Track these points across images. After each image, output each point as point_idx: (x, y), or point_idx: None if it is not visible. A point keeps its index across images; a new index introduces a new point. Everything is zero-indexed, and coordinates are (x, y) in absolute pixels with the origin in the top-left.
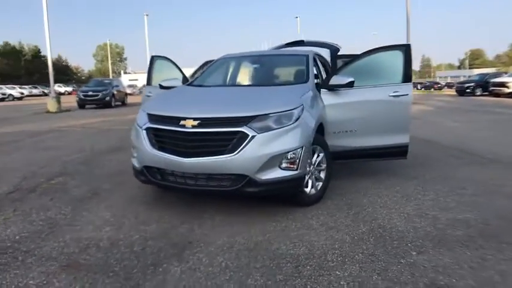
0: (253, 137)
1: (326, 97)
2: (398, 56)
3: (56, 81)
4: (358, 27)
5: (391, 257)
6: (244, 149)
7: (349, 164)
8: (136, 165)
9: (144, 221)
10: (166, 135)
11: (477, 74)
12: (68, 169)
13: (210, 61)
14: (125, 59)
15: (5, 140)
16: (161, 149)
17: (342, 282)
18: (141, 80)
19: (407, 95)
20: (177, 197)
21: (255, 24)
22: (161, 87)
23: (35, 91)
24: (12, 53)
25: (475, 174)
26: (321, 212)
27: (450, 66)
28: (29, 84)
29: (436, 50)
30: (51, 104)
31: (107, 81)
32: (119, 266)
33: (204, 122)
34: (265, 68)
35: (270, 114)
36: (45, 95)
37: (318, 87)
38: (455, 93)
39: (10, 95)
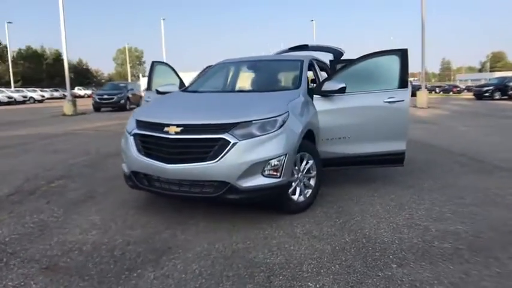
0: (234, 144)
1: (319, 103)
2: (394, 61)
3: (76, 84)
4: (374, 31)
5: (369, 269)
6: (226, 156)
7: (346, 171)
8: (125, 170)
9: (131, 225)
10: (152, 141)
11: (496, 77)
12: (72, 172)
13: (211, 66)
14: (144, 62)
15: (16, 142)
16: (147, 155)
17: None
18: None
19: (403, 101)
20: (167, 202)
21: (270, 27)
22: (158, 92)
23: (56, 94)
24: (34, 56)
25: (478, 183)
26: (307, 219)
27: (471, 69)
28: (50, 87)
29: (456, 52)
30: (67, 107)
31: (122, 84)
32: (96, 269)
33: (187, 128)
34: (259, 74)
35: (253, 121)
36: (74, 97)
37: (312, 93)
38: (473, 97)
39: (31, 97)
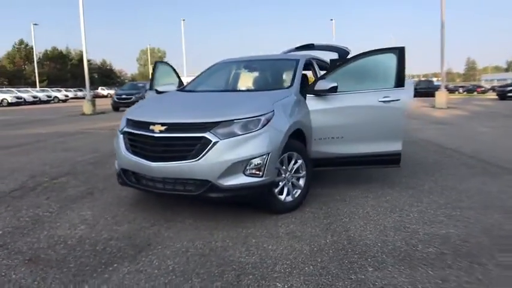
0: (215, 143)
1: (312, 102)
2: (391, 59)
3: (100, 84)
4: (394, 29)
5: (343, 271)
6: (207, 154)
7: (345, 171)
8: (116, 167)
9: (119, 221)
10: (138, 139)
11: None
12: (76, 169)
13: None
14: None
15: (32, 140)
16: (134, 153)
17: None
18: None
19: (398, 100)
20: (158, 200)
21: (290, 25)
22: (157, 92)
23: (79, 94)
24: (59, 57)
25: (482, 186)
26: (294, 219)
27: (497, 69)
28: (74, 87)
29: (482, 52)
30: (86, 107)
31: (140, 84)
32: (75, 262)
33: (171, 127)
34: (253, 74)
35: (235, 120)
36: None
37: (305, 92)
38: (497, 97)
39: (55, 97)
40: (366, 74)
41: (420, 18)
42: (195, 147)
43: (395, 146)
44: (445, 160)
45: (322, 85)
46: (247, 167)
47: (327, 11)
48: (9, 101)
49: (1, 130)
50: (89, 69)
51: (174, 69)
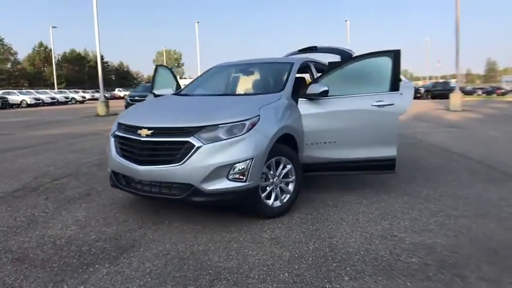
0: (198, 147)
1: (304, 106)
2: (387, 63)
3: (117, 86)
4: (411, 32)
5: (318, 280)
6: (190, 159)
7: (342, 176)
8: (108, 169)
9: (109, 222)
10: (127, 143)
11: None
12: (80, 170)
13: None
14: (183, 64)
15: (43, 141)
16: (124, 156)
17: None
18: None
19: (393, 104)
20: (152, 202)
21: (303, 27)
22: (154, 95)
23: (96, 95)
24: (78, 59)
25: (482, 193)
26: (280, 225)
27: None
28: (92, 89)
29: (503, 53)
30: (100, 108)
31: None
32: (59, 262)
33: (157, 131)
34: (247, 77)
35: (220, 125)
36: (107, 99)
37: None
38: None
39: (73, 98)
40: (360, 78)
41: (443, 20)
42: (180, 152)
43: (389, 152)
44: (449, 165)
45: (313, 89)
46: (231, 172)
47: (343, 13)
48: (28, 102)
49: (20, 131)
50: (107, 71)
51: (173, 73)
